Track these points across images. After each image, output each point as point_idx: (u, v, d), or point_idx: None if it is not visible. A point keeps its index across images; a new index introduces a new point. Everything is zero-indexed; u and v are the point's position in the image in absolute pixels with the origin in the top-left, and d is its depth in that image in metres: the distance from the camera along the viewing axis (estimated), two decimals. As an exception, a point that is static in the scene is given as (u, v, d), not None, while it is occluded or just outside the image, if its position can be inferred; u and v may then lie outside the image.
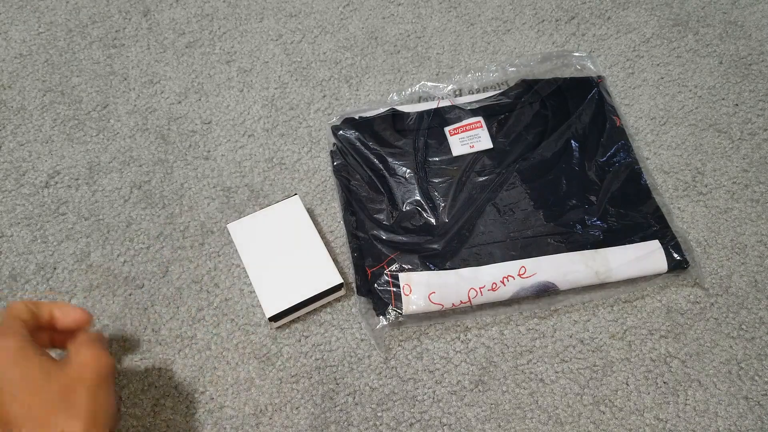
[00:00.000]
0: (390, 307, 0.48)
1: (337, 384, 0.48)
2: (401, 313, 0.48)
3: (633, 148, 0.56)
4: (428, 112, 0.57)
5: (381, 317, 0.49)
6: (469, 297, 0.48)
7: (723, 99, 0.61)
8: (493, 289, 0.49)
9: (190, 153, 0.58)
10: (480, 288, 0.49)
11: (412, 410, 0.47)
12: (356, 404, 0.48)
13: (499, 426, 0.47)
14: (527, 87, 0.58)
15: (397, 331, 0.50)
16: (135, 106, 0.61)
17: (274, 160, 0.58)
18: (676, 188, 0.57)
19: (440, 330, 0.50)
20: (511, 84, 0.59)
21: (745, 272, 0.53)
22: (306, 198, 0.56)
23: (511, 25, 0.66)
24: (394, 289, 0.49)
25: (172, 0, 0.67)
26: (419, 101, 0.59)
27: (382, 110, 0.57)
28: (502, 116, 0.57)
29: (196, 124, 0.60)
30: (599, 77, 0.60)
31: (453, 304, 0.49)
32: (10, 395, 0.36)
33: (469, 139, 0.55)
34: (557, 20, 0.66)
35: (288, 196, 0.53)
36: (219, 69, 0.63)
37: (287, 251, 0.50)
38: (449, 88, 0.59)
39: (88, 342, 0.41)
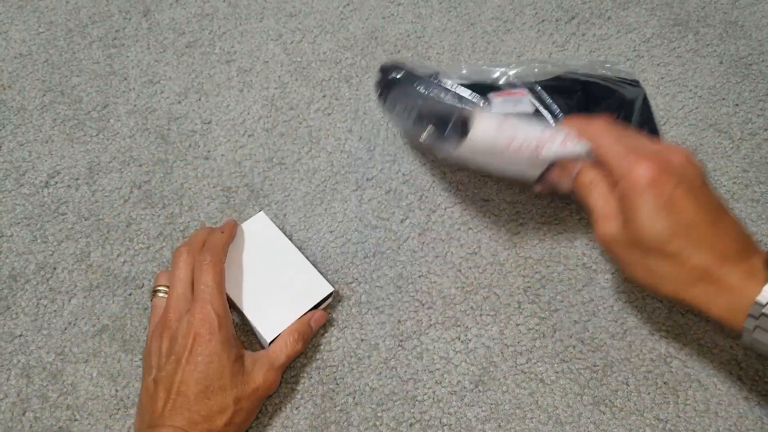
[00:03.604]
0: (458, 129, 0.44)
1: (337, 384, 0.48)
2: (468, 139, 0.44)
3: None
4: (473, 83, 0.54)
5: (448, 142, 0.45)
6: (539, 142, 0.44)
7: (723, 99, 0.61)
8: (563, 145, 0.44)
9: (190, 153, 0.58)
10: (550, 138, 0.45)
11: (412, 410, 0.47)
12: (356, 404, 0.48)
13: (499, 426, 0.47)
14: (574, 79, 0.55)
15: (400, 325, 0.50)
16: (135, 106, 0.61)
17: (274, 160, 0.58)
18: (676, 188, 0.57)
19: (440, 330, 0.50)
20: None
21: (745, 272, 0.53)
22: (306, 198, 0.56)
23: (511, 25, 0.66)
24: (465, 112, 0.45)
25: (172, 0, 0.67)
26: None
27: (430, 71, 0.54)
28: (546, 95, 0.53)
29: (196, 124, 0.60)
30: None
31: (522, 144, 0.44)
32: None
33: (513, 103, 0.53)
34: (557, 20, 0.66)
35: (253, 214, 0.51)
36: (219, 69, 0.63)
37: (269, 270, 0.49)
38: (496, 74, 0.58)
39: (280, 364, 0.46)
